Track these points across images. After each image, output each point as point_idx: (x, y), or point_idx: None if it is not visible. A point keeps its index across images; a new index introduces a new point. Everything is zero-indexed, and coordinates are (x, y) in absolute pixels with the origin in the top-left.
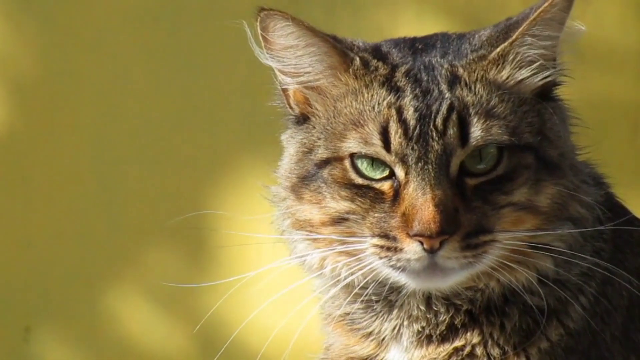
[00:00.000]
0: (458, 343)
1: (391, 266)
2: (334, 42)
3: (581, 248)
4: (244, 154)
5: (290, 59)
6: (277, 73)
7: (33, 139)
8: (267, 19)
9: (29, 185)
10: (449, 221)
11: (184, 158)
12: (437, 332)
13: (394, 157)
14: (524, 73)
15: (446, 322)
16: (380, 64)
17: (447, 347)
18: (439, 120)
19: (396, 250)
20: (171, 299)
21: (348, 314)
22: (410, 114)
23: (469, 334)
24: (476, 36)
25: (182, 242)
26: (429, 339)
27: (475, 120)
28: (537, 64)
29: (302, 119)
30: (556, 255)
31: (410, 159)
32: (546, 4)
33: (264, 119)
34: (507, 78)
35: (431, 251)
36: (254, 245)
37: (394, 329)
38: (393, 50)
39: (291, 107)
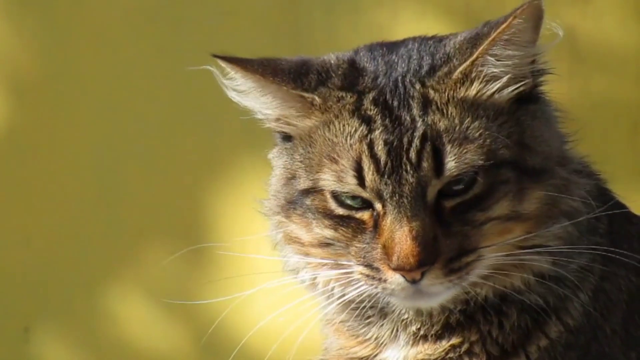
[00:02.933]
0: (455, 340)
1: (379, 291)
2: (289, 84)
3: (578, 242)
4: (244, 155)
5: (254, 104)
6: None
7: (33, 138)
8: (220, 62)
9: (29, 185)
10: (428, 252)
11: (184, 158)
12: (432, 332)
13: (369, 193)
14: (493, 87)
15: (441, 322)
16: (344, 93)
17: (444, 344)
18: (412, 153)
19: (380, 280)
20: (171, 298)
21: (346, 321)
22: (380, 149)
23: (466, 331)
24: (451, 43)
25: (181, 242)
26: (425, 337)
27: (449, 148)
28: (506, 78)
29: (289, 137)
30: (554, 251)
31: (385, 194)
32: (504, 25)
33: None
34: (478, 94)
35: (413, 282)
36: (253, 245)
37: (391, 332)
38: (367, 65)
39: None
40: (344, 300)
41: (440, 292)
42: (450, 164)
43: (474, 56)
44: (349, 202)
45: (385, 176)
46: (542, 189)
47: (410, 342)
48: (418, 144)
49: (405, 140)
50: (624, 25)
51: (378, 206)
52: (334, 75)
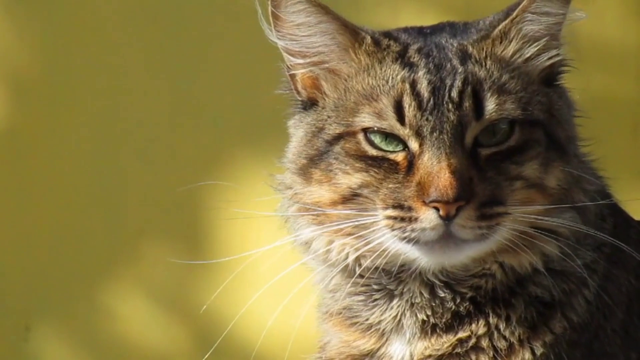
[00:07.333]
0: (462, 334)
1: (404, 238)
2: (345, 20)
3: (584, 239)
4: (243, 153)
5: (300, 37)
6: (286, 56)
7: (33, 137)
8: None
9: (29, 185)
10: (465, 188)
11: (183, 156)
12: (443, 320)
13: (407, 130)
14: (529, 50)
15: (452, 309)
16: (392, 42)
17: (451, 338)
18: (454, 93)
19: (411, 220)
20: (171, 297)
21: (347, 307)
22: (424, 87)
23: (474, 325)
24: (481, 22)
25: (181, 242)
26: (434, 328)
27: (489, 95)
28: (542, 41)
29: (310, 104)
30: (562, 241)
31: (425, 130)
32: None
33: (264, 117)
34: (514, 54)
35: (447, 218)
36: (252, 241)
37: (394, 318)
38: (402, 34)
39: (298, 92)
40: (353, 267)
41: (468, 243)
42: (490, 106)
43: (514, 14)
44: (382, 146)
45: (427, 112)
46: (563, 166)
47: (417, 334)
48: (460, 84)
49: (447, 82)
50: (624, 25)
51: (414, 146)
52: (379, 33)
